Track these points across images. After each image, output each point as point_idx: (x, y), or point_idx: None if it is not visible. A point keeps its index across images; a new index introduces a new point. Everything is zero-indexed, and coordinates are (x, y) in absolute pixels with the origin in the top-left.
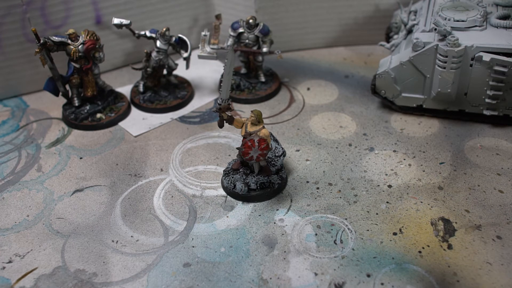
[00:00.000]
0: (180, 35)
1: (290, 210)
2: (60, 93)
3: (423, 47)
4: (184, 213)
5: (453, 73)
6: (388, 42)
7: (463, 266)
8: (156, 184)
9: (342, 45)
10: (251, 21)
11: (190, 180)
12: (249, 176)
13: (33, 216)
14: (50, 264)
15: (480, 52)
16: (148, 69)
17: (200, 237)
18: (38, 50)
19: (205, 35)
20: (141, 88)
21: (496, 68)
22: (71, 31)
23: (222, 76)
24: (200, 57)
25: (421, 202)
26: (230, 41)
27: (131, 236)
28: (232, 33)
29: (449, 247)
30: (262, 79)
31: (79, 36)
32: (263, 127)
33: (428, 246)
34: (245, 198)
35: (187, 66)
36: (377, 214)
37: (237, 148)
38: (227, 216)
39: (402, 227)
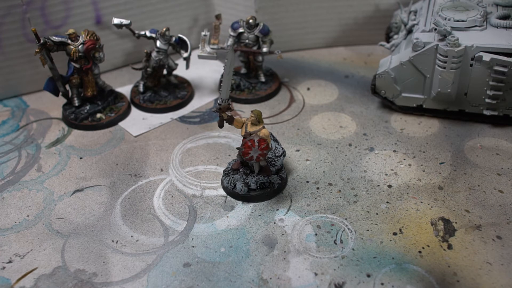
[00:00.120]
0: (180, 35)
1: (290, 210)
2: (60, 93)
3: (423, 47)
4: (184, 213)
5: (453, 73)
6: (388, 42)
7: (463, 266)
8: (156, 184)
9: (342, 45)
10: (251, 21)
11: (190, 180)
12: (249, 176)
13: (33, 216)
14: (50, 264)
15: (480, 52)
16: (148, 69)
17: (200, 237)
18: (38, 50)
19: (205, 35)
20: (141, 88)
21: (496, 68)
22: (71, 31)
23: (222, 76)
24: (200, 57)
25: (421, 202)
26: (230, 41)
27: (131, 236)
28: (232, 33)
29: (449, 247)
30: (262, 79)
31: (79, 36)
32: (263, 127)
33: (428, 246)
34: (245, 198)
35: (187, 66)
36: (377, 214)
37: (237, 148)
38: (227, 216)
39: (402, 227)
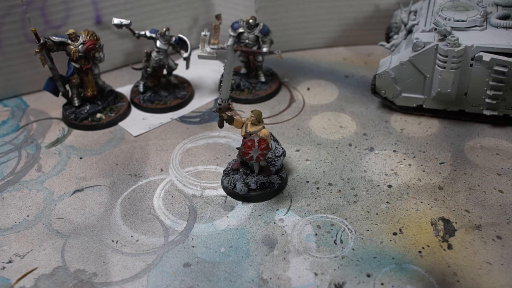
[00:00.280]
0: (180, 35)
1: (290, 210)
2: (60, 93)
3: (423, 47)
4: (184, 213)
5: (453, 73)
6: (388, 42)
7: (463, 266)
8: (156, 184)
9: (342, 45)
10: (251, 21)
11: (190, 180)
12: (249, 176)
13: (33, 216)
14: (50, 264)
15: (480, 52)
16: (148, 69)
17: (200, 237)
18: (38, 50)
19: (205, 35)
20: (141, 88)
21: (496, 68)
22: (71, 31)
23: (222, 76)
24: (200, 57)
25: (421, 202)
26: (230, 41)
27: (131, 236)
28: (232, 33)
29: (449, 247)
30: (262, 79)
31: (79, 36)
32: (263, 127)
33: (428, 246)
34: (245, 198)
35: (187, 66)
36: (377, 214)
37: (237, 148)
38: (227, 216)
39: (402, 227)
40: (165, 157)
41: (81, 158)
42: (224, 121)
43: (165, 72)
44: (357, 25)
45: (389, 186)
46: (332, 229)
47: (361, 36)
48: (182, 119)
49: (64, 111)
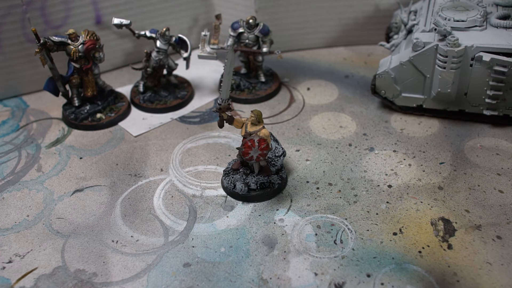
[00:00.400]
0: (180, 35)
1: (290, 210)
2: (60, 93)
3: (423, 47)
4: (184, 213)
5: (453, 73)
6: (388, 42)
7: (463, 266)
8: (156, 184)
9: (342, 45)
10: (251, 21)
11: (190, 180)
12: (249, 176)
13: (33, 216)
14: (50, 264)
15: (480, 52)
16: (148, 69)
17: (200, 237)
18: (38, 50)
19: (205, 35)
20: (141, 88)
21: (496, 68)
22: (71, 31)
23: (222, 76)
24: (200, 57)
25: (421, 202)
26: (230, 41)
27: (131, 236)
28: (232, 33)
29: (449, 247)
30: (262, 79)
31: (79, 36)
32: (263, 127)
33: (428, 246)
34: (245, 198)
35: (187, 66)
36: (377, 214)
37: (237, 148)
38: (227, 216)
39: (402, 227)
40: (165, 157)
41: (81, 158)
42: (224, 121)
43: (165, 72)
44: (357, 25)
45: (389, 186)
46: (332, 229)
47: (361, 36)
48: (182, 119)
49: (64, 111)
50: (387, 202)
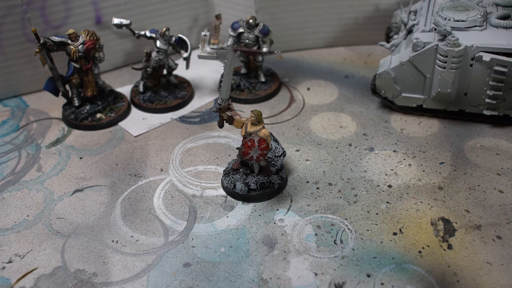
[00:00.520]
0: (180, 35)
1: (290, 210)
2: (60, 93)
3: (423, 47)
4: (184, 213)
5: (453, 73)
6: (388, 42)
7: (463, 266)
8: (156, 184)
9: (342, 45)
10: (251, 21)
11: (190, 180)
12: (249, 176)
13: (33, 216)
14: (50, 264)
15: (480, 52)
16: (148, 69)
17: (200, 237)
18: (38, 50)
19: (205, 35)
20: (141, 88)
21: (496, 68)
22: (71, 31)
23: (222, 76)
24: (200, 57)
25: (421, 202)
26: (230, 41)
27: (131, 236)
28: (232, 33)
29: (449, 247)
30: (262, 79)
31: (79, 36)
32: (263, 127)
33: (428, 246)
34: (245, 198)
35: (187, 66)
36: (377, 214)
37: (237, 148)
38: (227, 216)
39: (402, 227)
40: (165, 157)
41: (81, 158)
42: (224, 121)
43: (165, 72)
44: (357, 25)
45: (389, 186)
46: (332, 229)
47: (361, 36)
48: (182, 119)
49: (64, 111)
50: (387, 202)
